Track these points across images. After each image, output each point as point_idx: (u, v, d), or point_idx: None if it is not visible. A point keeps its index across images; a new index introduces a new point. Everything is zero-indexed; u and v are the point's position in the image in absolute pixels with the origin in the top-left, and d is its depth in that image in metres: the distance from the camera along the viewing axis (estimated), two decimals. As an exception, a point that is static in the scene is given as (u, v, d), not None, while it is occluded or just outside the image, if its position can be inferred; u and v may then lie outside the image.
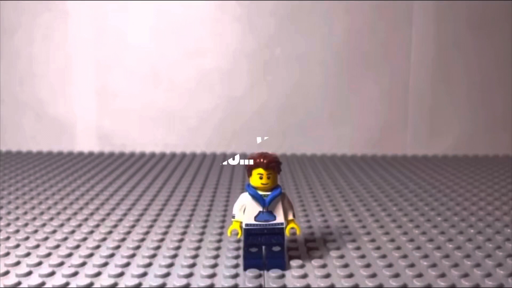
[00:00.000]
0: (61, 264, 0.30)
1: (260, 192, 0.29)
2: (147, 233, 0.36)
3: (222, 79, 0.69)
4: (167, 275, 0.29)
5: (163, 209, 0.43)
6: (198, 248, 0.33)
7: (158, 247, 0.33)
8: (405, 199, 0.47)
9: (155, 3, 0.68)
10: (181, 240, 0.35)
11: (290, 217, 0.30)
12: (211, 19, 0.69)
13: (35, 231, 0.36)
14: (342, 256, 0.32)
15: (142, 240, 0.35)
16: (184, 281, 0.28)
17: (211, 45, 0.69)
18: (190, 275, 0.29)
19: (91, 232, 0.36)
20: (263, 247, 0.30)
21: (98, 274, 0.29)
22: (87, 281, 0.28)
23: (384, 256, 0.32)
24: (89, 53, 0.68)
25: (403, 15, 0.69)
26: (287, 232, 0.30)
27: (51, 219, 0.39)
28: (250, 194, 0.29)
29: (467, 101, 0.72)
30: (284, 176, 0.55)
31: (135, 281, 0.28)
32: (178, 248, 0.33)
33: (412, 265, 0.31)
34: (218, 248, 0.33)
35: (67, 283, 0.28)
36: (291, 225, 0.30)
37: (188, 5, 0.68)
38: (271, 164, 0.29)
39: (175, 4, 0.68)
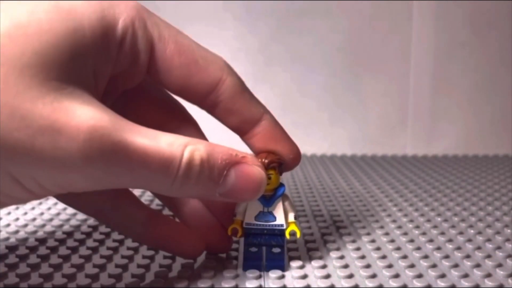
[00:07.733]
0: (60, 265, 0.30)
1: None
2: (147, 233, 0.36)
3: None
4: (166, 276, 0.29)
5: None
6: (198, 248, 0.33)
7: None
8: (405, 199, 0.47)
9: (155, 3, 0.68)
10: (181, 241, 0.34)
11: (291, 219, 0.29)
12: (211, 19, 0.69)
13: (35, 232, 0.36)
14: (342, 257, 0.32)
15: (142, 240, 0.35)
16: (184, 282, 0.28)
17: (211, 44, 0.69)
18: (190, 276, 0.29)
19: (91, 232, 0.36)
20: (264, 248, 0.30)
21: (98, 274, 0.29)
22: (87, 281, 0.28)
23: (384, 257, 0.32)
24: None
25: (403, 15, 0.70)
26: (287, 235, 0.29)
27: (51, 219, 0.39)
28: None
29: (467, 101, 0.72)
30: (284, 176, 0.55)
31: (135, 281, 0.28)
32: (178, 248, 0.33)
33: (412, 266, 0.31)
34: (218, 249, 0.33)
35: (67, 283, 0.28)
36: (292, 227, 0.29)
37: (188, 4, 0.68)
38: (272, 164, 0.28)
39: (175, 4, 0.68)
